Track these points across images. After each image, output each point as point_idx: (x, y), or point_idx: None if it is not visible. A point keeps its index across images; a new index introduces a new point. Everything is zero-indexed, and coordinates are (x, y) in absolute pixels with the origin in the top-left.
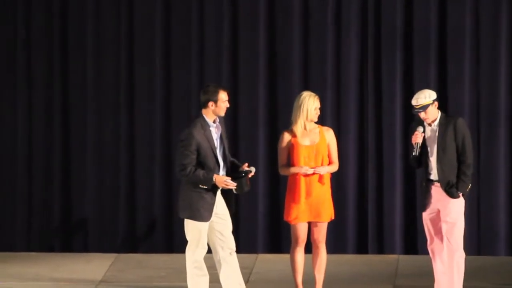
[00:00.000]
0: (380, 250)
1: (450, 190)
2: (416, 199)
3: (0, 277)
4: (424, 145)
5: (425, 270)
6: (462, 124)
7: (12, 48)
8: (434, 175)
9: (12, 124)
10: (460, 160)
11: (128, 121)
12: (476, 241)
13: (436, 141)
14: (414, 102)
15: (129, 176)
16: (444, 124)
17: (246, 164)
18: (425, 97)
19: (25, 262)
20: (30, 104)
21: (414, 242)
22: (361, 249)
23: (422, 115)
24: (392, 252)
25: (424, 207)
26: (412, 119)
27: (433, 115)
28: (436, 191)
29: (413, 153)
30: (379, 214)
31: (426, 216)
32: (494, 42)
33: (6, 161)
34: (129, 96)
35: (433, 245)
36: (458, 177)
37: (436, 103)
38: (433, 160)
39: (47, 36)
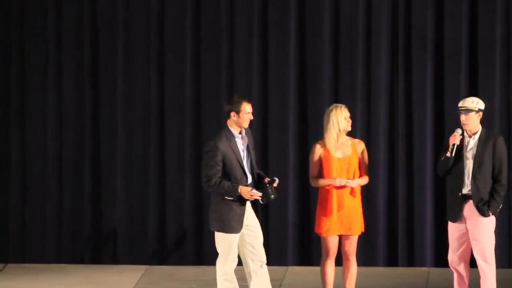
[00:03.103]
0: (411, 263)
1: (482, 208)
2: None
3: None
4: (460, 156)
5: None
6: (502, 143)
7: (43, 62)
8: (467, 190)
9: (43, 136)
10: (496, 179)
11: (158, 132)
12: (507, 253)
13: (473, 156)
14: (460, 103)
15: (159, 187)
16: (484, 140)
17: (267, 179)
18: (472, 102)
19: (55, 274)
20: (60, 116)
21: (445, 254)
22: (391, 261)
23: (462, 117)
24: (423, 265)
25: (453, 218)
26: (444, 129)
27: (473, 124)
28: (468, 207)
29: (447, 154)
30: (409, 227)
31: (453, 229)
32: None
33: (36, 173)
34: (159, 107)
35: (450, 259)
36: (491, 195)
37: (480, 113)
38: (467, 174)
39: (78, 47)
